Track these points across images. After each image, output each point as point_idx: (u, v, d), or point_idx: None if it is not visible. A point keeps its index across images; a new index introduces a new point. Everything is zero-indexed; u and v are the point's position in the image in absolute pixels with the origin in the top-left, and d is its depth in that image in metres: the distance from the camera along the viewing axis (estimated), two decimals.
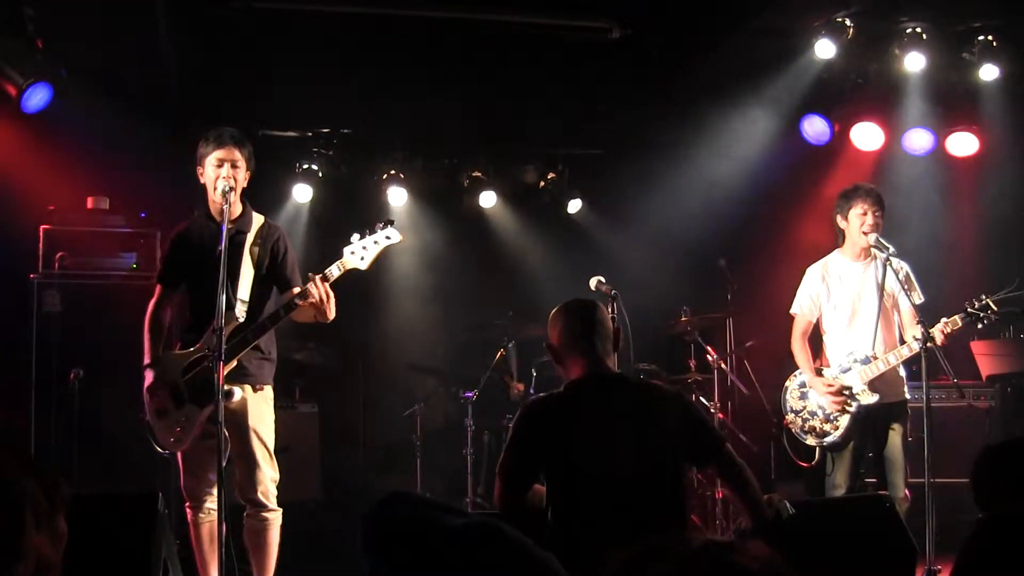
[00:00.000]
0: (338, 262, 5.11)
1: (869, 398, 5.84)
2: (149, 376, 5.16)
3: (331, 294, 5.02)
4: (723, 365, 7.55)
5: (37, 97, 6.40)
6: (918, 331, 5.57)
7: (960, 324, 5.66)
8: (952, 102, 7.88)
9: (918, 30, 7.12)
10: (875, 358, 5.83)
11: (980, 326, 5.77)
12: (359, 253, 5.13)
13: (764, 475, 7.02)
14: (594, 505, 3.61)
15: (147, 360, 5.22)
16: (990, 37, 7.16)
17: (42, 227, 6.81)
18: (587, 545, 3.49)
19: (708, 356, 7.50)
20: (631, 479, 3.60)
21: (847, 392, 5.87)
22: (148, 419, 5.15)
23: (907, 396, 5.97)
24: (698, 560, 1.39)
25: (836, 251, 6.17)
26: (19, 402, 6.53)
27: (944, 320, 5.66)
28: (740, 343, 7.82)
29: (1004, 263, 8.17)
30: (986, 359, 7.60)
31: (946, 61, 7.36)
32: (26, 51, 6.36)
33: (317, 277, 5.02)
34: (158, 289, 5.38)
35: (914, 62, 7.20)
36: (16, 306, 6.67)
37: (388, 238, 5.20)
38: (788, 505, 4.01)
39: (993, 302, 5.65)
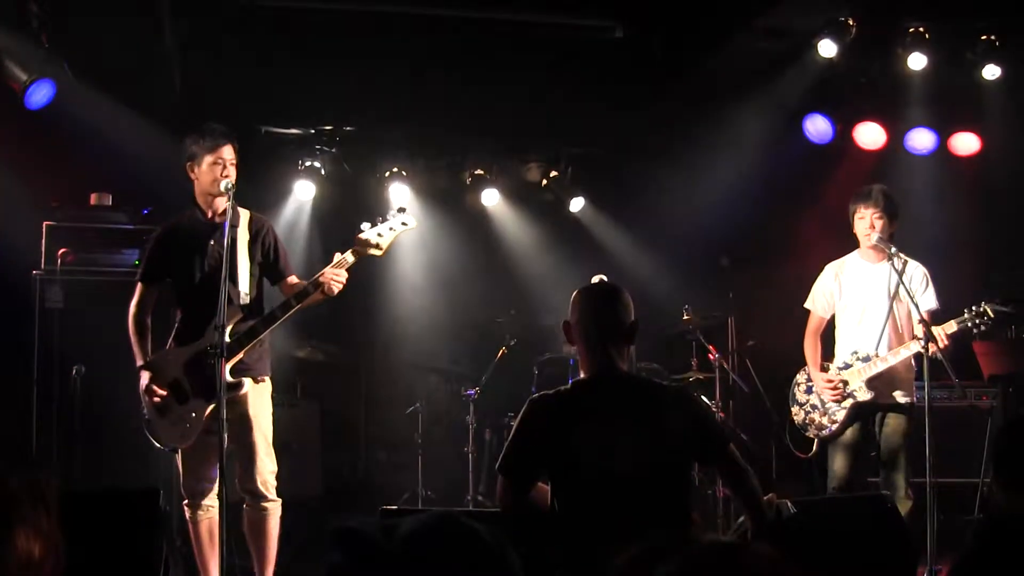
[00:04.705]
0: (353, 248, 5.15)
1: (864, 395, 5.92)
2: (144, 377, 5.17)
3: (344, 278, 5.13)
4: (725, 364, 7.55)
5: (40, 93, 6.39)
6: (920, 331, 5.62)
7: (955, 328, 5.71)
8: (954, 102, 7.87)
9: (921, 30, 7.12)
10: (876, 357, 5.90)
11: (976, 332, 5.79)
12: (374, 240, 5.17)
13: (765, 474, 7.03)
14: (597, 503, 3.60)
15: (139, 362, 5.23)
16: (992, 37, 7.16)
17: (45, 223, 6.80)
18: (590, 543, 3.50)
19: (710, 355, 7.50)
20: (635, 477, 3.59)
21: (843, 387, 5.97)
22: (148, 418, 5.16)
23: (910, 398, 5.97)
24: (705, 560, 1.39)
25: (855, 251, 6.22)
26: (21, 398, 6.53)
27: (939, 329, 5.70)
28: (742, 342, 7.82)
29: (1006, 263, 8.19)
30: (988, 359, 7.60)
31: (949, 61, 7.35)
32: (30, 47, 6.37)
33: (334, 265, 5.07)
34: (139, 288, 5.37)
35: (917, 62, 7.20)
36: (18, 302, 6.66)
37: (404, 224, 5.26)
38: (789, 504, 4.01)
39: (990, 309, 5.69)
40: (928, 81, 7.55)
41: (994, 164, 8.16)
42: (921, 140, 8.07)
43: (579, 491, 3.66)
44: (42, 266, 6.72)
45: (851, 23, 7.08)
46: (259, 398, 5.22)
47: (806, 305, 6.31)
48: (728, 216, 8.29)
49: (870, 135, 8.04)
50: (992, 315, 5.67)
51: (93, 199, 7.10)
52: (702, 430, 3.80)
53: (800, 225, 8.34)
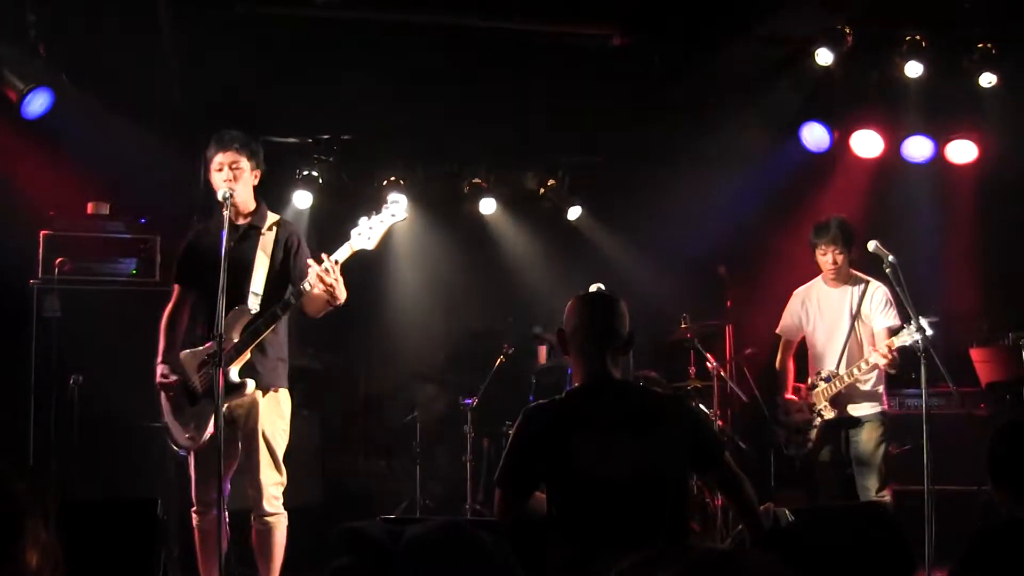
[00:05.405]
0: (346, 244, 5.15)
1: (830, 413, 6.32)
2: (160, 370, 5.19)
3: (339, 277, 5.06)
4: (722, 372, 7.55)
5: (38, 102, 6.39)
6: (880, 347, 6.03)
7: (897, 345, 5.93)
8: (951, 110, 7.88)
9: (917, 38, 7.15)
10: (836, 376, 6.26)
11: (918, 347, 5.82)
12: (365, 234, 5.17)
13: (763, 482, 7.03)
14: (594, 512, 3.60)
15: (160, 356, 5.25)
16: (989, 45, 7.18)
17: (42, 232, 6.79)
18: (587, 552, 3.49)
19: (708, 363, 7.50)
20: (631, 486, 3.58)
21: (809, 408, 6.38)
22: (165, 420, 5.20)
23: (880, 407, 6.31)
24: (702, 568, 1.39)
25: (819, 277, 6.56)
26: (18, 407, 6.52)
27: (888, 342, 6.02)
28: (740, 350, 7.83)
29: (1003, 270, 8.19)
30: (985, 366, 7.59)
31: (945, 68, 7.37)
32: (27, 56, 6.37)
33: (328, 260, 5.07)
34: (176, 290, 5.45)
35: (914, 69, 7.22)
36: (16, 311, 6.65)
37: (393, 215, 5.25)
38: (787, 513, 4.01)
39: (926, 322, 5.79)
40: (925, 89, 7.56)
41: (991, 172, 8.16)
42: (918, 148, 8.07)
43: (576, 500, 3.65)
44: (39, 275, 6.71)
45: (848, 31, 7.10)
46: (271, 410, 5.21)
47: (777, 331, 6.70)
48: (726, 224, 8.30)
49: (867, 143, 8.03)
50: (928, 329, 5.74)
51: (90, 208, 7.10)
52: (696, 437, 3.80)
53: (797, 233, 8.31)
